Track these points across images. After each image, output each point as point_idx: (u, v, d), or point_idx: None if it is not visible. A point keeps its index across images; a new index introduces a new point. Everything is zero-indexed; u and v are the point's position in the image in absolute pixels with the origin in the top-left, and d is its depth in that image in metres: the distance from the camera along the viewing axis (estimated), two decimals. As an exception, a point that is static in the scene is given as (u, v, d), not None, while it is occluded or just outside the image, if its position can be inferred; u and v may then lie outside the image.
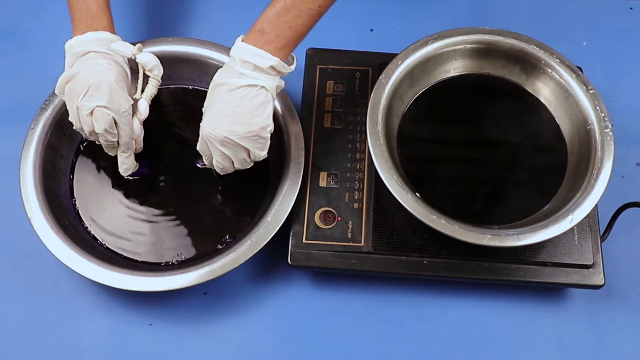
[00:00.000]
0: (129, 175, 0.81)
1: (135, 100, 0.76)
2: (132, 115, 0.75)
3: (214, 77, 0.72)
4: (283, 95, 0.82)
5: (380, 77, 0.78)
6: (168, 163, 0.84)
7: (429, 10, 1.01)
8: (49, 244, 0.73)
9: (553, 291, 0.81)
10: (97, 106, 0.71)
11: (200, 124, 0.72)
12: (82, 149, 0.84)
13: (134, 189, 0.82)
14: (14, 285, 0.80)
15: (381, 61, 0.85)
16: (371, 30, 0.99)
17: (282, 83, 0.73)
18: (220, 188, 0.82)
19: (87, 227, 0.79)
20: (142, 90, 0.77)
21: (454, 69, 0.83)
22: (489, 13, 1.02)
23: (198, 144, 0.74)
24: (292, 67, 0.73)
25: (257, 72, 0.70)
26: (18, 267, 0.81)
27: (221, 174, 0.76)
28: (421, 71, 0.81)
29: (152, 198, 0.81)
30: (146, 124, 0.78)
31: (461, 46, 0.81)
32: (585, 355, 0.78)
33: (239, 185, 0.82)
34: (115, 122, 0.73)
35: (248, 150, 0.72)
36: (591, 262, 0.76)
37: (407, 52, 0.80)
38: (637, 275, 0.82)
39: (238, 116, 0.69)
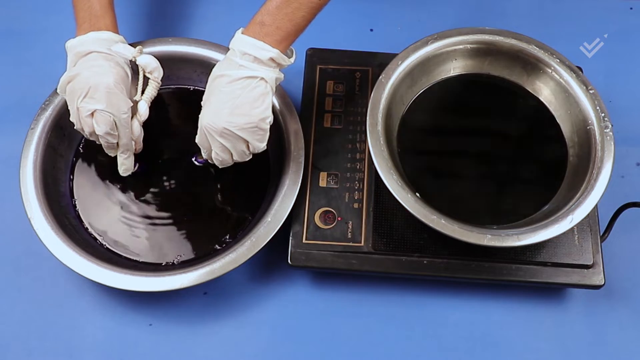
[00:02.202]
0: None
1: (135, 102, 0.76)
2: (132, 117, 0.76)
3: (213, 70, 0.72)
4: (283, 94, 0.82)
5: (380, 77, 0.78)
6: (168, 163, 0.83)
7: (429, 10, 1.01)
8: (49, 244, 0.73)
9: (553, 291, 0.81)
10: (97, 109, 0.72)
11: (199, 116, 0.72)
12: (82, 149, 0.84)
13: (134, 189, 0.82)
14: (14, 285, 0.80)
15: (381, 61, 0.85)
16: (371, 30, 0.99)
17: (282, 76, 0.73)
18: (220, 188, 0.82)
19: (87, 227, 0.79)
20: (142, 92, 0.77)
21: (454, 69, 0.83)
22: (489, 13, 1.01)
23: (197, 136, 0.74)
24: (292, 60, 0.73)
25: (256, 63, 0.70)
26: (18, 267, 0.81)
27: (220, 167, 0.76)
28: (421, 71, 0.81)
29: (152, 198, 0.81)
30: (146, 124, 0.78)
31: (461, 46, 0.81)
32: (585, 355, 0.78)
33: (239, 185, 0.82)
34: (115, 124, 0.73)
35: (247, 142, 0.72)
36: (591, 262, 0.76)
37: (407, 52, 0.80)
38: (637, 275, 0.82)
39: (237, 107, 0.70)
